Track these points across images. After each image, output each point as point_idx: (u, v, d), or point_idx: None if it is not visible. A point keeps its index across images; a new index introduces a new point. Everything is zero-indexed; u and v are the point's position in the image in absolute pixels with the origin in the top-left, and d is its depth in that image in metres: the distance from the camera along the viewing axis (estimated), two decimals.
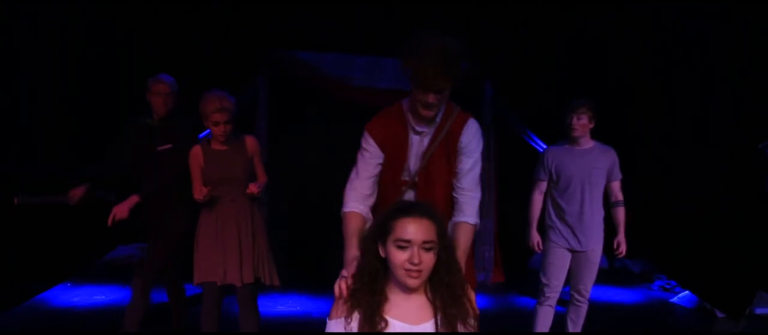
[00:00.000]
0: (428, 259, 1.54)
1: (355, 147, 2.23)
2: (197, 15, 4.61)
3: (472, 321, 1.63)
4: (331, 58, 5.24)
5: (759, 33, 4.01)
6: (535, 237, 3.46)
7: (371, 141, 2.16)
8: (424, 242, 1.52)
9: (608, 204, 3.45)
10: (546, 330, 3.48)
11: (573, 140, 3.36)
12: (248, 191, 2.97)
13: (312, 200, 5.33)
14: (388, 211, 1.62)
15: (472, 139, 2.15)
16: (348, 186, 2.15)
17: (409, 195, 2.22)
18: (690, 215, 4.43)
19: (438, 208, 2.08)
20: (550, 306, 3.44)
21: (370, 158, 2.16)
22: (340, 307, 1.61)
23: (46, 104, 3.99)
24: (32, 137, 3.87)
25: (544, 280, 3.43)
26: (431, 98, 1.98)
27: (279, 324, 4.15)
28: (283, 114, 5.40)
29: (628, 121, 4.53)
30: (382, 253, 1.59)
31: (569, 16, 4.69)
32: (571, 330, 3.50)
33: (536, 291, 3.49)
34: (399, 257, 1.53)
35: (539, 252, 3.47)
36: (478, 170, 2.17)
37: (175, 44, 4.49)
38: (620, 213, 3.45)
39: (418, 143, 2.17)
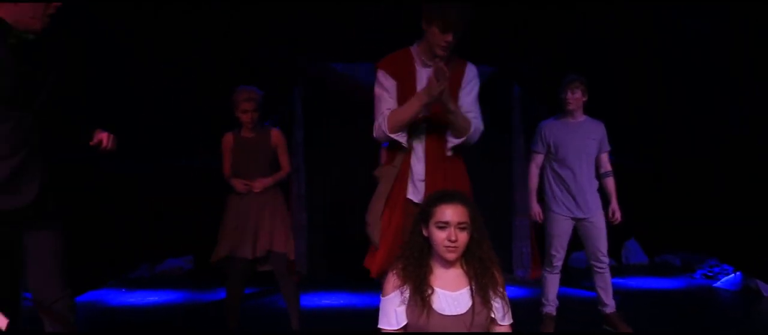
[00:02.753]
0: (463, 237, 1.87)
1: None
2: (231, 31, 4.85)
3: (500, 289, 1.95)
4: (365, 68, 5.49)
5: (759, 33, 4.06)
6: (536, 207, 3.65)
7: (386, 74, 2.40)
8: (459, 223, 1.86)
9: (598, 175, 3.64)
10: (556, 293, 3.66)
11: (568, 113, 3.58)
12: (253, 186, 3.32)
13: (349, 203, 5.50)
14: (429, 199, 1.99)
15: (472, 78, 2.46)
16: (375, 126, 2.39)
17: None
18: (722, 192, 4.45)
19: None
20: (557, 273, 3.64)
21: (388, 96, 2.39)
22: (391, 282, 1.92)
23: None
24: None
25: (552, 251, 3.60)
26: (450, 37, 2.25)
27: (325, 316, 4.28)
28: (319, 123, 5.64)
29: (627, 119, 4.64)
30: (425, 233, 1.92)
31: (569, 15, 4.83)
32: (603, 297, 3.62)
33: (545, 261, 3.68)
34: (439, 236, 1.87)
35: (540, 221, 3.65)
36: (475, 92, 2.47)
37: (213, 62, 4.74)
38: (610, 183, 3.67)
39: (427, 77, 2.34)
